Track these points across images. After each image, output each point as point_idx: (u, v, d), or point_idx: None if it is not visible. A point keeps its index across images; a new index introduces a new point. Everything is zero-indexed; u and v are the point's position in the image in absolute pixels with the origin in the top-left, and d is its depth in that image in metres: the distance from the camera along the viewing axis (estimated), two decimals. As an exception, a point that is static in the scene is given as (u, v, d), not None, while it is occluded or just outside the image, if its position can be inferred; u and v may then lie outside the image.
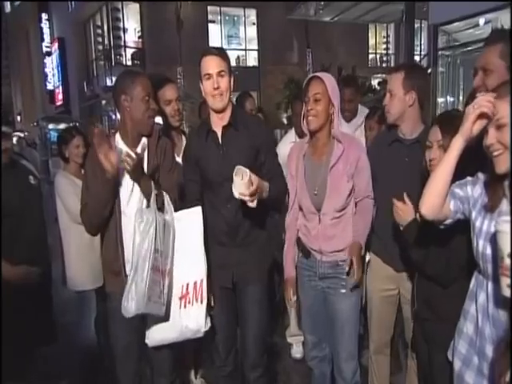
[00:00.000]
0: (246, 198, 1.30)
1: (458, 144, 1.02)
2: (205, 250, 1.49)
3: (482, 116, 0.98)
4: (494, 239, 0.97)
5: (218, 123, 1.50)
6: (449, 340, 1.16)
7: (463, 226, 1.11)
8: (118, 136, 1.49)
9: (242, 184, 1.27)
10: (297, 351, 2.38)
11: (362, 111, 2.55)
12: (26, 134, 14.47)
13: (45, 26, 19.29)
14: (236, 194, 1.29)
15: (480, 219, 1.05)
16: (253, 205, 1.32)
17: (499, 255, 0.92)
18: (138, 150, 1.44)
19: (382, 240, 1.61)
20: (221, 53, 1.48)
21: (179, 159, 1.80)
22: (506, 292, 0.91)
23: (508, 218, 0.90)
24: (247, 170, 1.28)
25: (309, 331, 1.65)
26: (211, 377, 2.05)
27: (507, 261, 0.89)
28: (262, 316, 1.54)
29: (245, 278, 1.51)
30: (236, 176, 1.28)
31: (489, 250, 1.01)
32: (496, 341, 1.00)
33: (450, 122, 1.21)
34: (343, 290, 1.52)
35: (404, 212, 1.28)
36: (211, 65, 1.44)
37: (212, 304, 1.52)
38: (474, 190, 1.09)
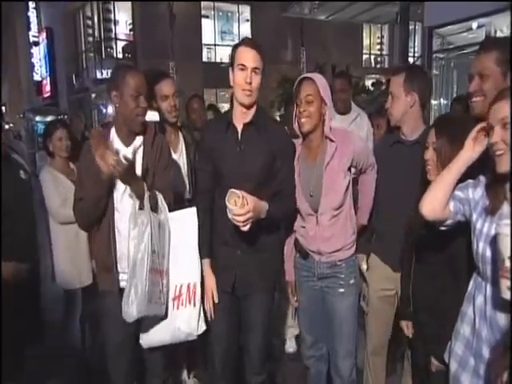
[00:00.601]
0: (240, 224, 1.27)
1: (462, 158, 1.08)
2: (209, 252, 1.46)
3: (482, 132, 1.04)
4: (494, 242, 0.98)
5: (240, 119, 1.45)
6: (446, 341, 1.17)
7: (463, 229, 1.12)
8: (113, 131, 1.46)
9: (235, 208, 1.25)
10: (290, 346, 2.39)
11: (355, 110, 2.57)
12: (11, 125, 14.08)
13: (32, 14, 18.73)
14: (230, 216, 1.27)
15: (481, 221, 1.06)
16: (245, 228, 1.28)
17: (500, 258, 0.93)
18: (130, 149, 1.41)
19: (382, 239, 1.62)
20: (261, 49, 1.39)
21: (175, 156, 1.77)
22: (506, 294, 0.92)
23: (509, 221, 0.91)
24: (239, 193, 1.25)
25: (306, 331, 1.65)
26: (204, 377, 2.03)
27: (507, 263, 0.90)
28: (266, 324, 1.51)
29: (247, 282, 1.46)
30: (228, 201, 1.25)
31: (489, 253, 1.02)
32: (493, 342, 1.01)
33: (445, 125, 1.25)
34: (341, 290, 1.52)
35: None
36: (249, 57, 1.37)
37: (212, 315, 1.47)
38: (475, 192, 1.10)
